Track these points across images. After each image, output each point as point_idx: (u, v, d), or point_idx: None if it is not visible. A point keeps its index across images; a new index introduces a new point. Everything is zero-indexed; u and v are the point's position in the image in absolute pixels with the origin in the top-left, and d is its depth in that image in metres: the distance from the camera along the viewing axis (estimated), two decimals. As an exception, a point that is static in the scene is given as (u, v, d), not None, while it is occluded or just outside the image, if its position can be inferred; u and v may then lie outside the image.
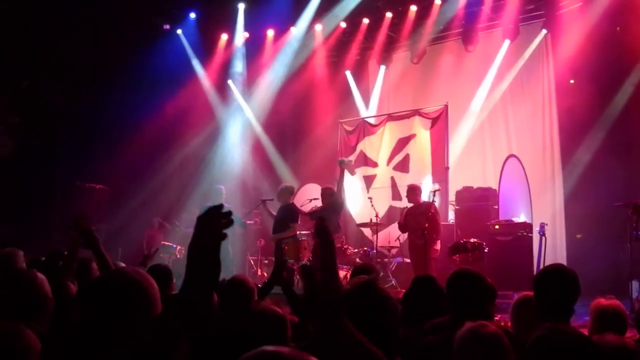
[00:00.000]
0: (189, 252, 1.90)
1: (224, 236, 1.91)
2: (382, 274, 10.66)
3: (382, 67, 15.40)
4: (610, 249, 10.62)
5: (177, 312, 1.88)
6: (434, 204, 10.46)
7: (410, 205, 10.86)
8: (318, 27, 14.99)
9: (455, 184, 12.48)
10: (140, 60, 13.33)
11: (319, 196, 11.43)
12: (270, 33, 15.44)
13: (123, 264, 5.24)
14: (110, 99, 13.60)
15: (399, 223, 11.00)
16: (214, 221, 1.90)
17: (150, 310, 2.05)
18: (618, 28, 11.81)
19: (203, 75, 15.83)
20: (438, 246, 10.38)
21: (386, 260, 12.11)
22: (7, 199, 12.83)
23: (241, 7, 15.05)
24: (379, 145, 14.31)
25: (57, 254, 6.66)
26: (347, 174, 11.79)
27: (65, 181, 13.66)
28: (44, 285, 3.53)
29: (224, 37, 15.65)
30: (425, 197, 10.97)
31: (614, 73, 11.63)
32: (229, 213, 1.94)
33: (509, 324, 4.40)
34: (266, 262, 12.89)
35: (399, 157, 13.97)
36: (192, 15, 15.14)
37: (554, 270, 3.92)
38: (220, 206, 1.95)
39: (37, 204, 13.28)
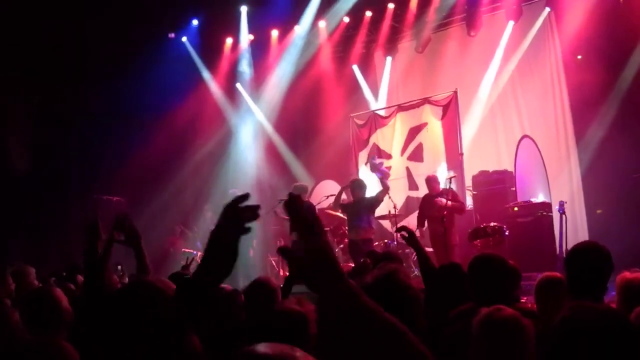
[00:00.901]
0: (209, 239, 1.87)
1: (246, 230, 1.86)
2: (404, 264, 10.66)
3: (389, 59, 15.39)
4: (631, 221, 10.58)
5: (187, 296, 1.88)
6: (451, 190, 10.47)
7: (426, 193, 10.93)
8: (322, 24, 15.00)
9: (470, 169, 12.45)
10: (148, 69, 13.39)
11: (335, 192, 11.41)
12: (275, 33, 15.45)
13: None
14: (120, 109, 13.70)
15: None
16: (239, 212, 1.85)
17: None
18: (621, 0, 11.73)
19: (211, 80, 15.88)
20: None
21: (407, 251, 12.07)
22: (24, 215, 12.94)
23: (244, 9, 15.08)
24: (392, 137, 14.27)
25: (75, 268, 6.71)
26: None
27: (81, 194, 13.73)
28: (61, 299, 3.59)
29: (229, 41, 15.69)
30: (441, 184, 10.98)
31: (620, 45, 11.55)
32: (256, 207, 1.88)
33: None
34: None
35: (412, 147, 13.93)
36: (195, 22, 15.18)
37: (587, 247, 3.88)
38: (246, 196, 1.90)
39: (54, 219, 13.36)
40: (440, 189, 10.74)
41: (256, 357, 1.40)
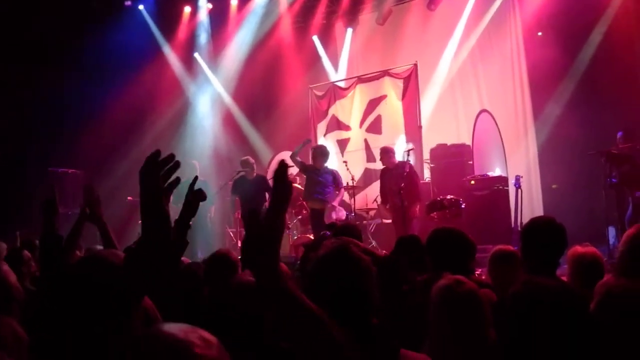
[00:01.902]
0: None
1: (173, 185, 1.78)
2: (362, 236, 10.66)
3: (349, 30, 15.27)
4: (585, 197, 10.75)
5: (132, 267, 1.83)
6: (408, 163, 10.45)
7: (383, 167, 10.90)
8: (282, -7, 14.84)
9: (429, 142, 12.51)
10: (103, 38, 13.13)
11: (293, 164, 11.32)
12: (234, 2, 15.24)
13: (100, 247, 5.15)
14: (75, 79, 13.35)
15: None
16: (154, 169, 1.76)
17: None
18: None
19: (168, 50, 15.62)
20: (417, 207, 10.37)
21: (365, 222, 12.15)
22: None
23: (203, -23, 14.84)
24: (351, 108, 14.27)
25: (27, 244, 6.53)
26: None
27: (37, 168, 13.38)
28: (8, 276, 3.48)
29: (187, 9, 15.43)
30: (399, 157, 10.97)
31: (581, 23, 11.61)
32: (170, 158, 1.77)
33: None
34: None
35: (370, 119, 13.96)
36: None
37: (542, 222, 3.92)
38: (157, 154, 1.77)
39: (9, 194, 13.01)
40: (397, 162, 10.71)
41: (154, 340, 1.36)
